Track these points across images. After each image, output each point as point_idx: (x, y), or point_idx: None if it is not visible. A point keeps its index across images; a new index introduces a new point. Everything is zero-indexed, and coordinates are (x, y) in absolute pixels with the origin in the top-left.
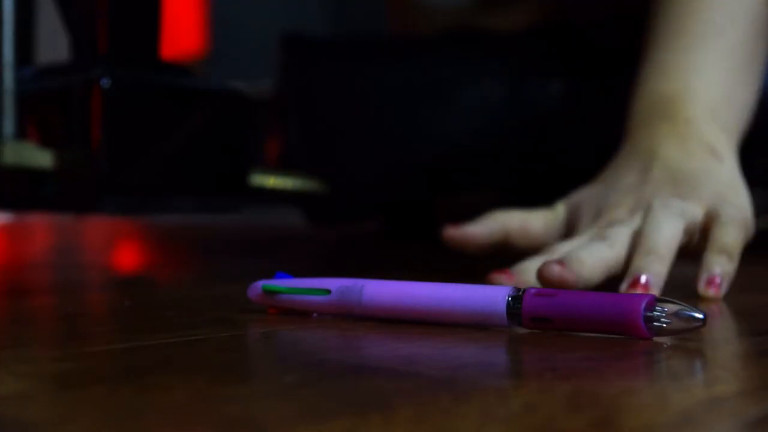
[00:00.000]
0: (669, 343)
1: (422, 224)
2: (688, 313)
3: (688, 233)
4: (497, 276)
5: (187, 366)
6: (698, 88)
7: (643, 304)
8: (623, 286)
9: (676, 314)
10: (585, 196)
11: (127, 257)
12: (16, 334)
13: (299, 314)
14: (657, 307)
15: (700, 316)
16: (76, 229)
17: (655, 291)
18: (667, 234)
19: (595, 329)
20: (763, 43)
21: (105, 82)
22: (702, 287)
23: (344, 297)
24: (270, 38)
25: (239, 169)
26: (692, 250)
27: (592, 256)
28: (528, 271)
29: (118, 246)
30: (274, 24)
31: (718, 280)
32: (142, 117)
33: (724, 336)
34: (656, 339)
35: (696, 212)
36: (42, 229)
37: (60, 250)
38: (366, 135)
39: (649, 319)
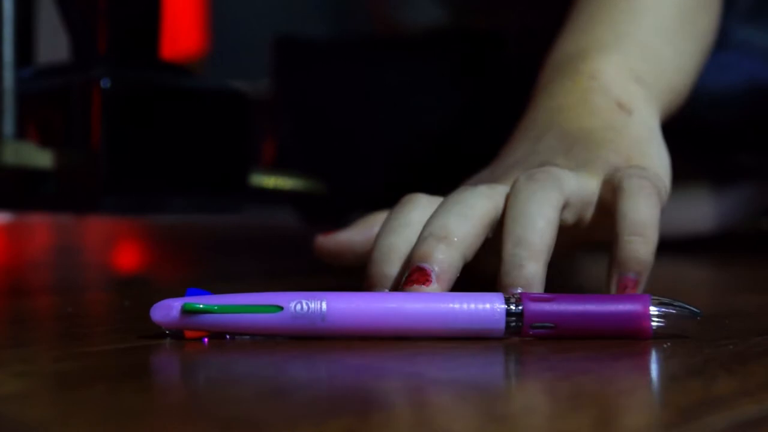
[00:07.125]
0: (668, 343)
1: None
2: (683, 310)
3: (576, 209)
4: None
5: (186, 366)
6: (611, 42)
7: (648, 305)
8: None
9: (672, 313)
10: (475, 179)
11: (127, 257)
12: (16, 334)
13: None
14: (653, 306)
15: (696, 311)
16: (76, 229)
17: (537, 289)
18: (537, 222)
19: (595, 334)
20: (705, 11)
21: (105, 82)
22: (614, 289)
23: (303, 315)
24: (269, 38)
25: (239, 169)
26: (589, 232)
27: (462, 218)
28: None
29: (118, 246)
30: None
31: (632, 281)
32: (142, 117)
33: (723, 336)
34: (656, 339)
35: (586, 184)
36: (42, 229)
37: (60, 250)
38: (359, 134)
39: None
